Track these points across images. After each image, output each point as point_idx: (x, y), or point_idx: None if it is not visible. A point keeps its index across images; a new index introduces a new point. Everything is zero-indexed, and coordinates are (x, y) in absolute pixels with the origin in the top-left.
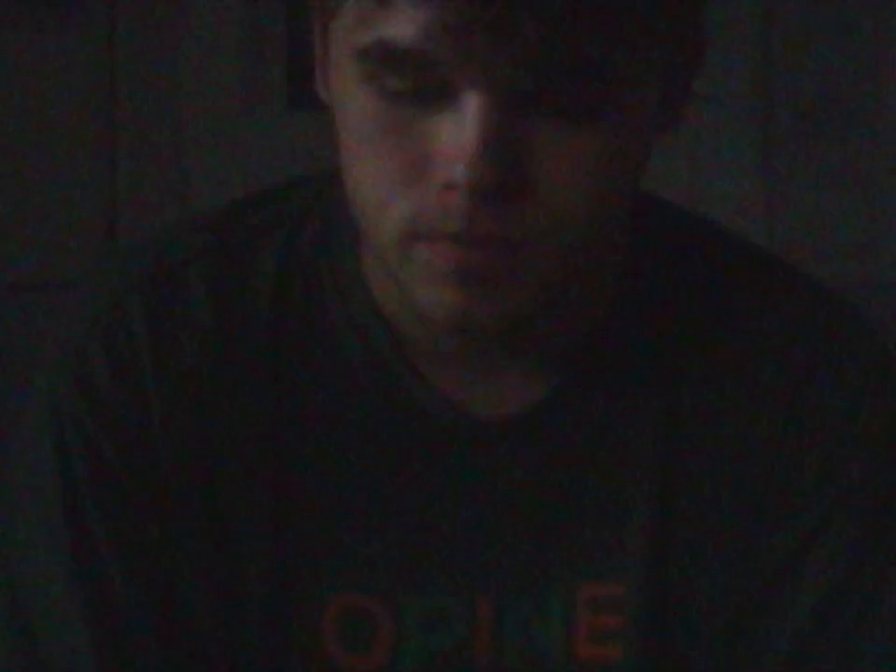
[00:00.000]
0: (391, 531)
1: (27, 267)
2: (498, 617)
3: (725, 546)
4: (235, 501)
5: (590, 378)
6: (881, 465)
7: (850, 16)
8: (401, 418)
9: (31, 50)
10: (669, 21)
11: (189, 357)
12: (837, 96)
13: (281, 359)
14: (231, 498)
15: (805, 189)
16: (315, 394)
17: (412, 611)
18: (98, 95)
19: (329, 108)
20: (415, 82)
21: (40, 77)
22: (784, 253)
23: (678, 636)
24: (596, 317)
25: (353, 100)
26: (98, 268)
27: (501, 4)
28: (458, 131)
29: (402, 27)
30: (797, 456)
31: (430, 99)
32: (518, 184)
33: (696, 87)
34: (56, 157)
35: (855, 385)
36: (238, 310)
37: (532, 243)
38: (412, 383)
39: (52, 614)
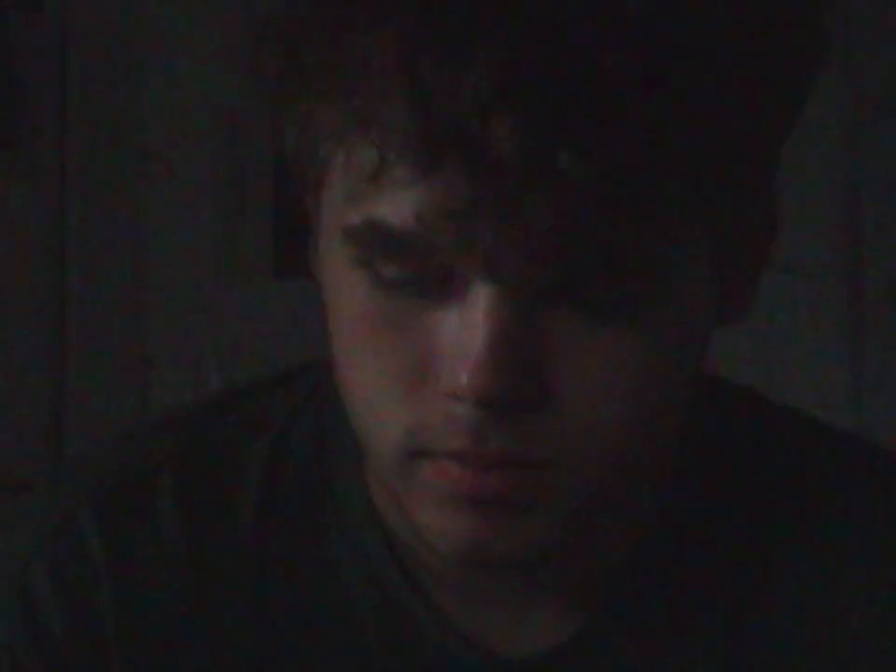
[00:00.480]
0: None
1: None
2: None
3: None
4: None
5: (635, 607)
6: None
7: None
8: (412, 657)
9: None
10: (719, 197)
11: (156, 584)
12: None
13: (267, 587)
14: None
15: None
16: (308, 628)
17: None
18: (43, 258)
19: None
20: (413, 270)
21: None
22: None
23: None
24: (642, 534)
25: (344, 287)
26: (46, 476)
27: (507, 185)
28: (465, 329)
29: (395, 208)
30: None
31: (432, 289)
32: (536, 394)
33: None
34: None
35: None
36: (215, 528)
37: (555, 464)
38: (423, 615)
39: None
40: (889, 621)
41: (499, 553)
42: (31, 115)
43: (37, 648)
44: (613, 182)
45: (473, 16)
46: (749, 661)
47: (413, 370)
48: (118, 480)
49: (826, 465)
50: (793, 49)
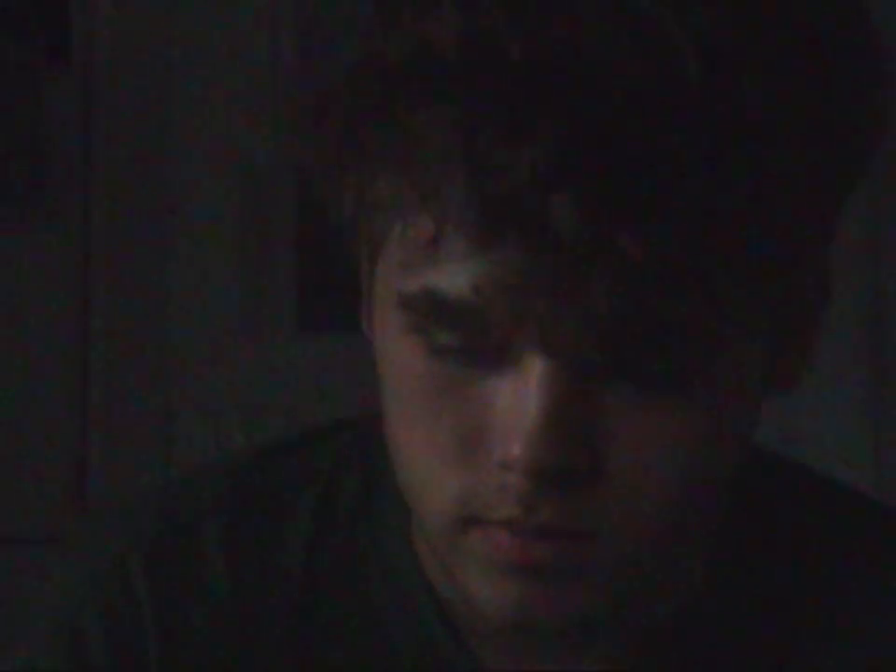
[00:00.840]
0: None
1: None
2: None
3: None
4: None
5: (681, 668)
6: None
7: None
8: None
9: None
10: (777, 273)
11: (202, 630)
12: None
13: (311, 640)
14: None
15: None
16: None
17: None
18: (68, 310)
19: (343, 331)
20: (468, 339)
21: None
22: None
23: None
24: (688, 594)
25: (398, 353)
26: (97, 520)
27: (565, 261)
28: (518, 400)
29: (451, 278)
30: None
31: (486, 358)
32: (587, 467)
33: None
34: (14, 385)
35: None
36: (261, 577)
37: (604, 534)
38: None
39: None
40: None
41: (546, 619)
42: (57, 170)
43: None
44: (671, 261)
45: (533, 92)
46: None
47: (466, 437)
48: (165, 526)
49: (866, 534)
50: (854, 122)
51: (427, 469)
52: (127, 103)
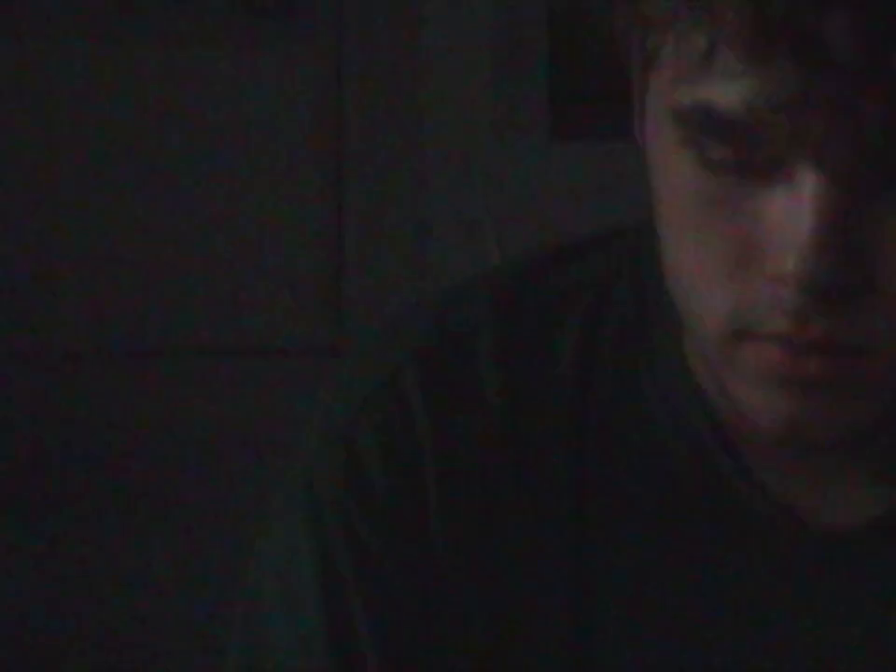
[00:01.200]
0: (711, 648)
1: (242, 331)
2: None
3: None
4: (527, 611)
5: None
6: None
7: None
8: (730, 524)
9: (245, 71)
10: None
11: (476, 442)
12: None
13: (585, 450)
14: (521, 609)
15: None
16: (626, 492)
17: None
18: (323, 127)
19: (595, 138)
20: (740, 154)
21: (256, 102)
22: None
23: None
24: None
25: (671, 166)
26: (372, 334)
27: (839, 79)
28: (792, 214)
29: (724, 93)
30: None
31: (758, 172)
32: (859, 282)
33: None
34: (272, 199)
35: None
36: (533, 390)
37: (875, 350)
38: (740, 482)
39: None
40: None
41: (816, 433)
42: None
43: (361, 503)
44: None
45: None
46: None
47: (738, 251)
48: (438, 338)
49: None
50: None
51: (700, 282)
52: None
